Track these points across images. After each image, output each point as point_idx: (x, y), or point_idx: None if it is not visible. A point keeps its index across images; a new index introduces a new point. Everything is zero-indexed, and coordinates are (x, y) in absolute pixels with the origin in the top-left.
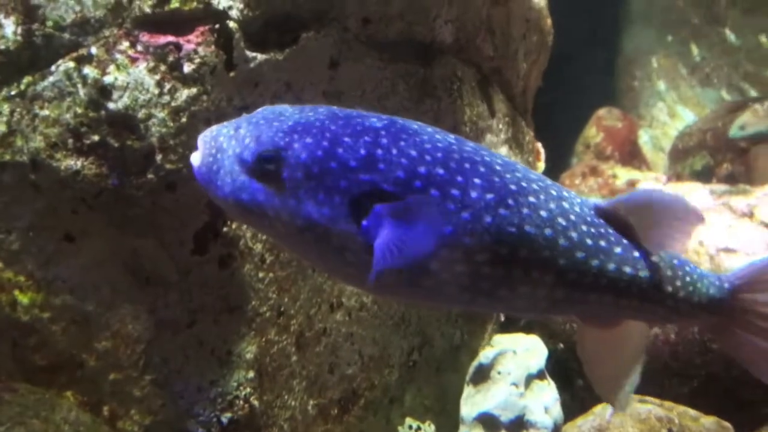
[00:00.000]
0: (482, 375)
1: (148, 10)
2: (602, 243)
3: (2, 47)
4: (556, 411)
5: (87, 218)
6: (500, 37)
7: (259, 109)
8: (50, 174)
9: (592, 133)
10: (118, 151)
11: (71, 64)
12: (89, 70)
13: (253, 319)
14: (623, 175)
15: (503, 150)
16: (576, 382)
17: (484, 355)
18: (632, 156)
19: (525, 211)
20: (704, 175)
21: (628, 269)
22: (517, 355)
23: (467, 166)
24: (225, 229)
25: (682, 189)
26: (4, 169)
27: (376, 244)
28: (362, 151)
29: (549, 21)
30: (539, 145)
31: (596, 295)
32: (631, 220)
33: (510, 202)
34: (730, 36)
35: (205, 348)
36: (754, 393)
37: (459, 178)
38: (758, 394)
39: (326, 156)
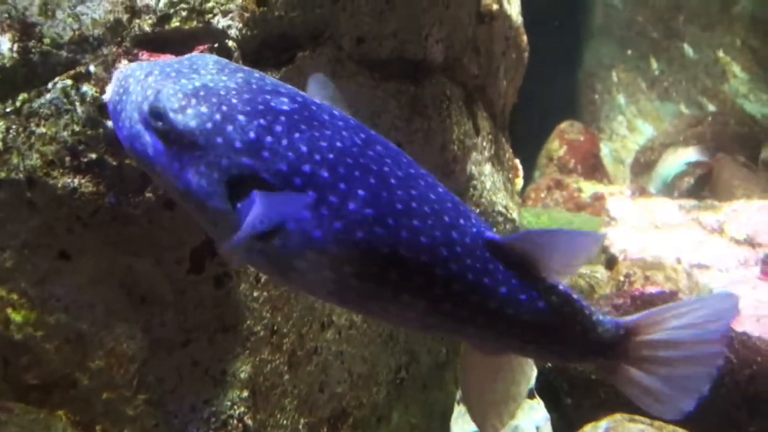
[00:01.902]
0: None
1: (147, 29)
2: (485, 279)
3: None
4: (547, 430)
5: (83, 236)
6: (484, 56)
7: (188, 56)
8: (46, 192)
9: (555, 146)
10: (116, 170)
11: (69, 82)
12: (87, 88)
13: (248, 339)
14: (588, 188)
15: (487, 167)
16: (564, 402)
17: None
18: (594, 169)
19: (404, 234)
20: (667, 189)
21: (510, 310)
22: None
23: (357, 174)
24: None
25: (650, 204)
26: None
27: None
28: (252, 134)
29: (525, 38)
30: (517, 161)
31: (474, 330)
32: (531, 255)
33: (389, 221)
34: (689, 51)
35: (200, 367)
36: (739, 412)
37: (342, 186)
38: (744, 413)
39: (215, 130)
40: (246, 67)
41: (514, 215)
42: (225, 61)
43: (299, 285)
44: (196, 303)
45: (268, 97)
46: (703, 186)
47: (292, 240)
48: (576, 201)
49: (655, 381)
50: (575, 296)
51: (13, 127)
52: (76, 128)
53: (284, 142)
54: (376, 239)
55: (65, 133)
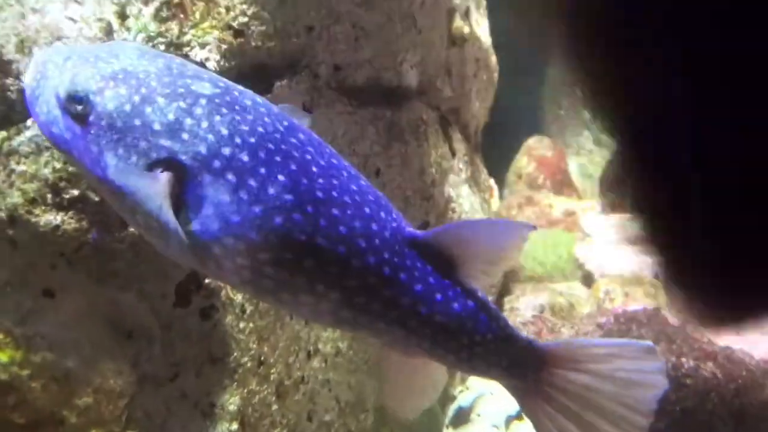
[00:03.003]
0: (462, 418)
1: None
2: (402, 274)
3: None
4: None
5: (67, 273)
6: (456, 78)
7: (110, 42)
8: (29, 229)
9: (524, 162)
10: (98, 205)
11: None
12: None
13: (236, 370)
14: (559, 204)
15: (464, 189)
16: None
17: (463, 398)
18: (563, 184)
19: (322, 222)
20: None
21: (422, 309)
22: (494, 396)
23: (278, 158)
24: (207, 280)
25: (622, 219)
26: None
27: None
28: (170, 116)
29: (494, 58)
30: (492, 181)
31: (384, 326)
32: (453, 252)
33: (308, 208)
34: None
35: (189, 401)
36: (725, 427)
37: (262, 170)
38: (730, 428)
39: (133, 112)
40: (168, 54)
41: None
42: (146, 48)
43: (215, 274)
44: (182, 336)
45: (189, 81)
46: None
47: (210, 225)
48: (548, 217)
49: (566, 426)
50: (492, 305)
51: None
52: (57, 165)
53: (204, 124)
54: (294, 225)
55: (46, 171)
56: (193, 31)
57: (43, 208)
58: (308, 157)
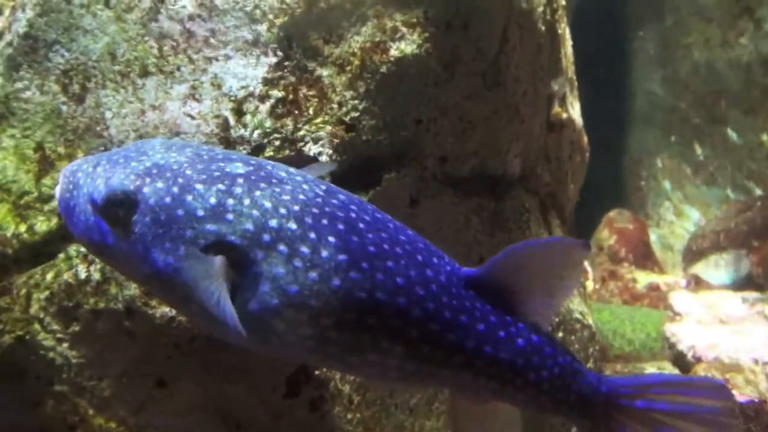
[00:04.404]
0: None
1: None
2: (462, 317)
3: None
4: None
5: (180, 363)
6: (554, 163)
7: (132, 144)
8: (145, 321)
9: (605, 235)
10: None
11: None
12: None
13: None
14: (642, 278)
15: None
16: None
17: None
18: (645, 257)
19: (378, 276)
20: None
21: (487, 348)
22: None
23: (325, 222)
24: (317, 372)
25: (713, 297)
26: (98, 316)
27: None
28: (212, 200)
29: (586, 139)
30: (586, 263)
31: (450, 372)
32: (511, 282)
33: (364, 265)
34: (732, 135)
35: None
36: None
37: (312, 235)
38: None
39: (174, 203)
40: (193, 142)
41: (590, 321)
42: (171, 140)
43: (279, 350)
44: (291, 427)
45: (222, 164)
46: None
47: (270, 301)
48: (631, 292)
49: None
50: (555, 339)
51: None
52: None
53: (246, 201)
54: (353, 285)
55: None
56: (306, 127)
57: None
58: (353, 215)
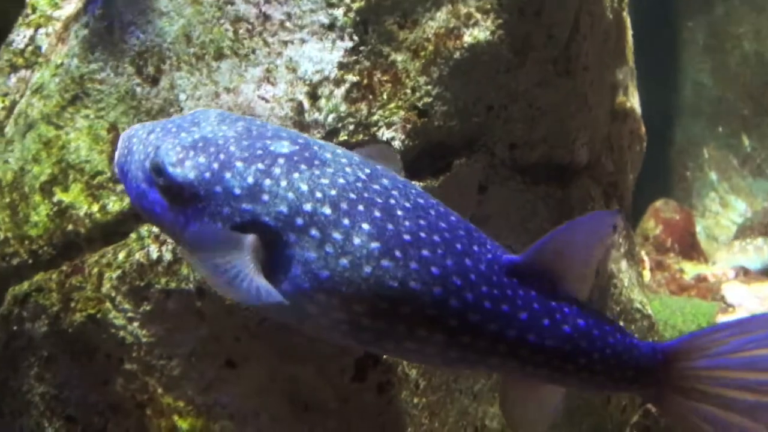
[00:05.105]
0: None
1: None
2: (504, 306)
3: None
4: None
5: (249, 345)
6: (617, 152)
7: (191, 112)
8: (216, 302)
9: (651, 225)
10: None
11: None
12: None
13: None
14: (690, 269)
15: (623, 264)
16: None
17: None
18: (691, 248)
19: (413, 265)
20: None
21: (531, 337)
22: None
23: (361, 208)
24: (384, 356)
25: (766, 289)
26: (169, 296)
27: None
28: (250, 179)
29: (643, 128)
30: (643, 252)
31: (497, 360)
32: (553, 264)
33: (397, 254)
34: None
35: None
36: None
37: (345, 221)
38: None
39: (213, 179)
40: (248, 117)
41: (649, 310)
42: (228, 113)
43: (315, 331)
44: (359, 411)
45: (268, 142)
46: None
47: (301, 284)
48: (679, 283)
49: (714, 411)
50: (604, 317)
51: None
52: None
53: (283, 183)
54: (384, 273)
55: None
56: (380, 112)
57: None
58: (392, 201)
